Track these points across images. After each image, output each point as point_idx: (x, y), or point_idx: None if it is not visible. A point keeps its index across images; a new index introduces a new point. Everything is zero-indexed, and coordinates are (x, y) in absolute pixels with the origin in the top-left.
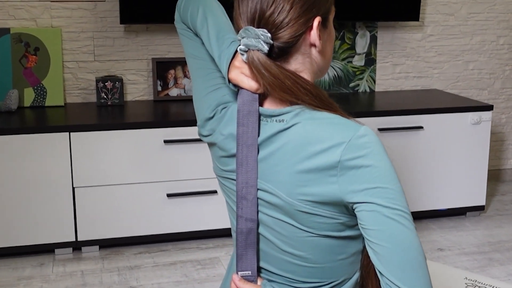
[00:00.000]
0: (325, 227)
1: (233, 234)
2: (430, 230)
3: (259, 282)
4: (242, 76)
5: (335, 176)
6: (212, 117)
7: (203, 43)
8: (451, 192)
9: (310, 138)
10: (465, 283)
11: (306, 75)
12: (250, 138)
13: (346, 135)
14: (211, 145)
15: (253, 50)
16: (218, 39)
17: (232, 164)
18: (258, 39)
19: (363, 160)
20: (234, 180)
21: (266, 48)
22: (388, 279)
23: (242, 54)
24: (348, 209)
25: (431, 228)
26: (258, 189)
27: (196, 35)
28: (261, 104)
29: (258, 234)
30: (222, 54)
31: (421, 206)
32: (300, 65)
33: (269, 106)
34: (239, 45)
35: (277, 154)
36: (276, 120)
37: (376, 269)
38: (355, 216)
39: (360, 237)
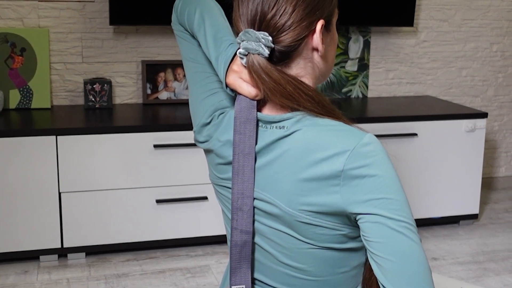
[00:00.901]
0: (326, 239)
1: (229, 243)
2: (423, 239)
3: None
4: (241, 81)
5: (338, 185)
6: (209, 123)
7: (200, 46)
8: (445, 200)
9: (312, 145)
10: None
11: (308, 80)
12: (247, 146)
13: (350, 143)
14: (207, 152)
15: (253, 54)
16: (215, 41)
17: (229, 171)
18: (259, 43)
19: (368, 170)
20: (231, 188)
21: (267, 52)
22: None
23: (242, 58)
24: (350, 220)
25: (424, 236)
26: (255, 199)
27: (193, 37)
28: (260, 110)
29: (254, 244)
30: (220, 57)
31: (414, 214)
32: (301, 70)
33: (269, 112)
34: (239, 48)
35: (277, 162)
36: (276, 127)
37: (379, 283)
38: (357, 227)
39: (362, 249)
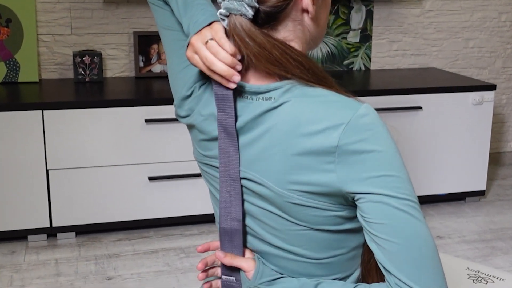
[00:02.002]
0: (320, 221)
1: (218, 225)
2: (428, 217)
3: (247, 254)
4: (196, 59)
5: (333, 163)
6: (189, 96)
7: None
8: (450, 176)
9: (303, 118)
10: (467, 274)
11: (297, 45)
12: (229, 124)
13: (345, 115)
14: (190, 127)
15: (235, 15)
16: (186, 7)
17: (214, 148)
18: (242, 2)
19: (366, 144)
20: (217, 167)
21: (250, 12)
22: (398, 278)
23: (223, 20)
24: (347, 200)
25: (429, 214)
26: (242, 178)
27: (166, 2)
28: (246, 79)
29: (245, 227)
30: (191, 26)
31: (419, 191)
32: (290, 33)
33: (254, 82)
34: (220, 9)
35: (264, 138)
36: (263, 98)
37: (381, 267)
38: (355, 207)
39: (361, 230)
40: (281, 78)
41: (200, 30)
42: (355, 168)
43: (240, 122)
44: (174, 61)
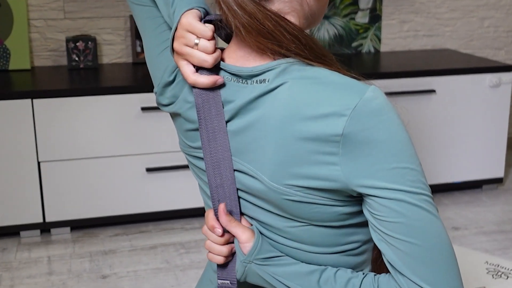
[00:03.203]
0: (323, 217)
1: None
2: (443, 206)
3: (243, 223)
4: (184, 63)
5: (336, 154)
6: (172, 81)
7: None
8: (466, 163)
9: (301, 102)
10: (486, 268)
11: (294, 19)
12: (213, 106)
13: (350, 99)
14: (174, 116)
15: None
16: None
17: None
18: None
19: (375, 133)
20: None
21: None
22: (411, 280)
23: None
24: (353, 196)
25: (444, 203)
26: (234, 170)
27: None
28: (236, 60)
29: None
30: (172, 15)
31: (433, 179)
32: (285, 5)
33: (245, 62)
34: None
35: (258, 125)
36: (256, 81)
37: (390, 267)
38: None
39: None
40: (275, 56)
41: (176, 29)
42: (363, 160)
43: (232, 108)
44: (151, 42)
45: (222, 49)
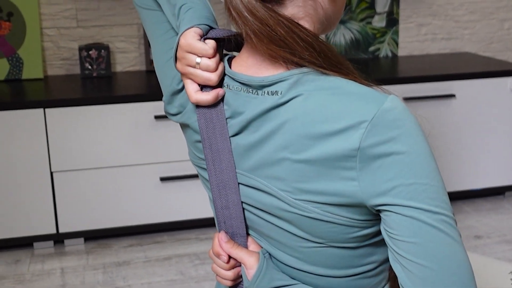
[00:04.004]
0: (339, 238)
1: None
2: (464, 214)
3: (252, 246)
4: (189, 82)
5: (354, 169)
6: (181, 90)
7: None
8: (488, 169)
9: (317, 116)
10: (511, 279)
11: (308, 24)
12: (217, 126)
13: (367, 110)
14: (183, 126)
15: None
16: (169, 2)
17: None
18: None
19: (394, 145)
20: (208, 181)
21: None
22: None
23: None
24: (373, 215)
25: (465, 211)
26: (243, 185)
27: None
28: (246, 69)
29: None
30: (181, 25)
31: (454, 186)
32: (299, 9)
33: (257, 71)
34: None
35: (271, 139)
36: (268, 92)
37: None
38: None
39: None
40: (288, 64)
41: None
42: (381, 174)
43: (242, 120)
44: (159, 48)
45: (233, 57)
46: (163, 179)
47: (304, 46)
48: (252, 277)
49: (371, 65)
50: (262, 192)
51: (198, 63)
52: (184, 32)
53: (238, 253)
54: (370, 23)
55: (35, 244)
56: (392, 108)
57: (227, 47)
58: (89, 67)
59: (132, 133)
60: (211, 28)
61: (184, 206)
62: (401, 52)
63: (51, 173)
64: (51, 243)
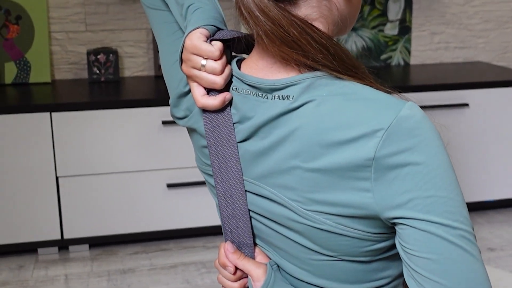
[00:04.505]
0: (352, 251)
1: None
2: (477, 226)
3: (259, 257)
4: (195, 85)
5: (368, 180)
6: (187, 93)
7: None
8: (501, 180)
9: (330, 123)
10: None
11: (322, 25)
12: (223, 131)
13: (384, 117)
14: (190, 131)
15: None
16: (177, 2)
17: None
18: None
19: (411, 155)
20: (215, 188)
21: None
22: None
23: None
24: (387, 226)
25: (478, 222)
26: (251, 193)
27: None
28: (257, 71)
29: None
30: (187, 26)
31: (466, 197)
32: (313, 10)
33: (268, 73)
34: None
35: (282, 146)
36: (279, 97)
37: None
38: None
39: None
40: (300, 68)
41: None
42: (397, 186)
43: (251, 126)
44: (166, 50)
45: (243, 59)
46: (170, 186)
47: (318, 49)
48: None
49: (383, 73)
50: (271, 201)
51: (203, 66)
52: (190, 33)
53: (245, 264)
54: (382, 30)
55: (39, 250)
56: (410, 115)
57: (237, 48)
58: (97, 71)
59: (139, 139)
60: (219, 29)
61: (191, 214)
62: (414, 60)
63: (57, 178)
64: (55, 249)
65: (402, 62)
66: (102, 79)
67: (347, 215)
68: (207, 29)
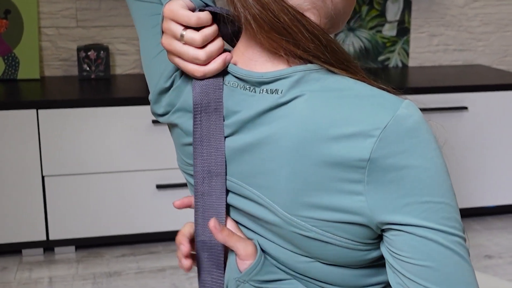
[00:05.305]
0: (339, 260)
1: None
2: (475, 232)
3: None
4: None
5: (361, 182)
6: (169, 88)
7: None
8: (500, 185)
9: (321, 121)
10: None
11: (315, 16)
12: (213, 121)
13: (380, 116)
14: (171, 127)
15: None
16: None
17: None
18: None
19: (407, 158)
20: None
21: None
22: None
23: None
24: (378, 237)
25: (476, 229)
26: (232, 192)
27: None
28: (243, 64)
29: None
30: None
31: (464, 203)
32: (306, 0)
33: (254, 66)
34: None
35: (268, 144)
36: (266, 90)
37: None
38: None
39: None
40: (290, 59)
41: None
42: (392, 190)
43: (237, 121)
44: (147, 43)
45: (229, 51)
46: (159, 187)
47: (310, 38)
48: (248, 268)
49: (381, 75)
50: (255, 203)
51: (182, 36)
52: (169, 1)
53: (234, 241)
54: (380, 31)
55: (23, 251)
56: (407, 115)
57: (222, 32)
58: (88, 68)
59: (128, 138)
60: (207, 5)
61: (181, 216)
62: (412, 62)
63: (43, 177)
64: (40, 250)
65: (400, 64)
66: (93, 76)
67: (336, 220)
68: (191, 1)
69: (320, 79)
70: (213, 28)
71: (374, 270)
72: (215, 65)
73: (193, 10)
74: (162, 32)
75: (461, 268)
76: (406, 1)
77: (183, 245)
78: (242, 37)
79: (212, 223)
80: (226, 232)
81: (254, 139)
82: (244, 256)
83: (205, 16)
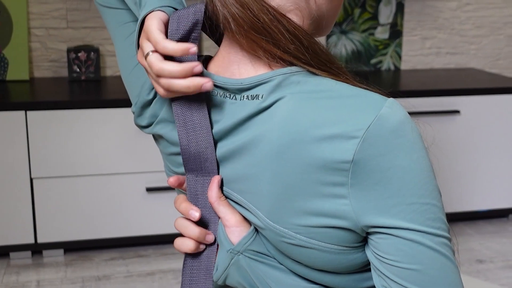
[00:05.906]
0: (327, 266)
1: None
2: (466, 236)
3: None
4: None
5: (344, 185)
6: (151, 100)
7: None
8: (492, 190)
9: (302, 122)
10: None
11: (297, 18)
12: (198, 127)
13: (363, 116)
14: (156, 138)
15: None
16: None
17: None
18: None
19: (392, 159)
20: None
21: None
22: None
23: None
24: (363, 240)
25: (467, 233)
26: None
27: None
28: (223, 70)
29: None
30: (142, 10)
31: (456, 207)
32: (288, 0)
33: (234, 73)
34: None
35: (249, 150)
36: (247, 97)
37: None
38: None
39: None
40: (270, 62)
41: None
42: (376, 192)
43: (219, 130)
44: (123, 54)
45: (210, 57)
46: (149, 190)
47: (290, 38)
48: (242, 238)
49: (373, 78)
50: (241, 207)
51: (147, 55)
52: (148, 14)
53: (224, 206)
54: (372, 34)
55: (11, 254)
56: (391, 114)
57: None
58: (77, 69)
59: (119, 140)
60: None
61: (171, 219)
62: (404, 65)
63: (31, 180)
64: (28, 253)
65: (392, 67)
66: (83, 77)
67: (320, 226)
68: (164, 11)
69: (300, 82)
70: (179, 66)
71: (365, 275)
72: (177, 47)
73: (166, 21)
74: (139, 45)
75: (447, 269)
76: (399, 4)
77: (194, 210)
78: (223, 42)
79: (216, 180)
80: (220, 193)
81: (236, 145)
82: (233, 223)
83: (173, 48)
